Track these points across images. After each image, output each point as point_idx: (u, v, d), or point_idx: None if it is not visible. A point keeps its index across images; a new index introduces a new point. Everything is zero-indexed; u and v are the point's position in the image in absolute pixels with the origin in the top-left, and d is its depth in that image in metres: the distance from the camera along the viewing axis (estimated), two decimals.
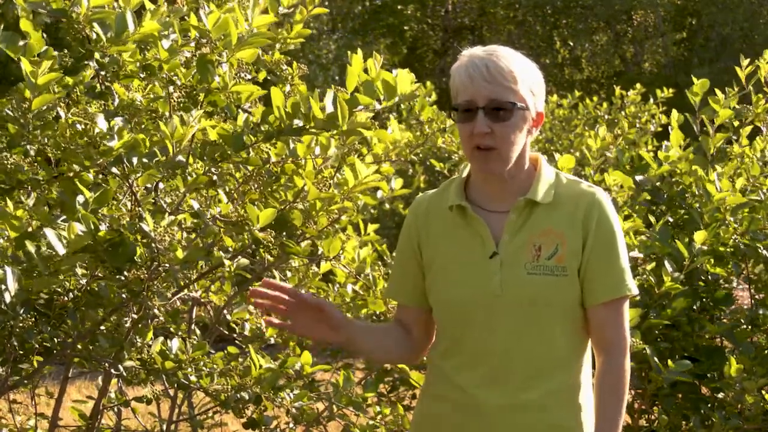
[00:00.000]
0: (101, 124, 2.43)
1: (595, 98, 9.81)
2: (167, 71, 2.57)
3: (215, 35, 2.56)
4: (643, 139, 8.80)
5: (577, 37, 21.02)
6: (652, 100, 8.95)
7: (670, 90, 8.70)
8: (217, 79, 2.58)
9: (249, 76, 2.67)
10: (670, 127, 4.25)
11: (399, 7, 21.13)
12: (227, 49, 2.56)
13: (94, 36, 2.46)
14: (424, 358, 2.58)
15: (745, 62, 4.22)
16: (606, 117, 9.44)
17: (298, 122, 2.56)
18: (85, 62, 2.46)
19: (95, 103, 2.47)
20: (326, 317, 2.42)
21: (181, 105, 2.54)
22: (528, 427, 2.33)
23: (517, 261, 2.33)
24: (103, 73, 2.55)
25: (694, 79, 4.24)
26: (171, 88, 2.57)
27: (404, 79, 2.59)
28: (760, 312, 3.93)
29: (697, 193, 4.02)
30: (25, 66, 2.36)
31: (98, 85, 2.52)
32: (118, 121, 2.45)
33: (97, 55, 2.49)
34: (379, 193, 3.27)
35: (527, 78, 2.32)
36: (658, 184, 4.12)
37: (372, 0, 20.77)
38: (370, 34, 20.05)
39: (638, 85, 9.22)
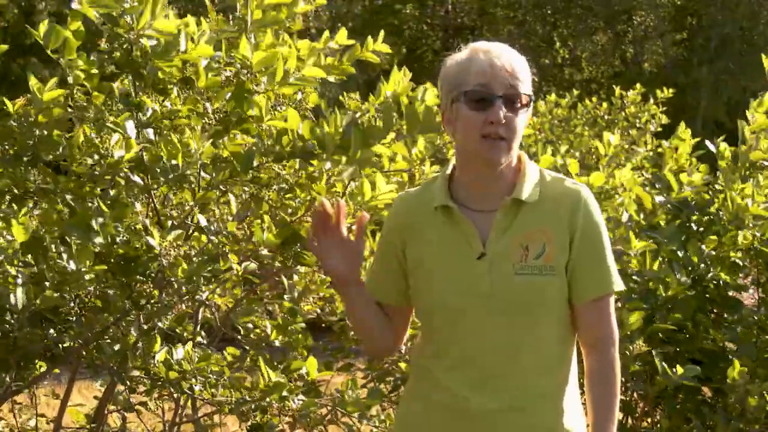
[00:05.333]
0: (130, 131, 2.41)
1: (594, 98, 9.80)
2: (204, 88, 2.55)
3: (257, 68, 2.55)
4: (642, 139, 8.81)
5: (577, 38, 21.01)
6: (652, 100, 8.95)
7: (670, 90, 8.71)
8: (252, 111, 2.57)
9: (284, 108, 2.65)
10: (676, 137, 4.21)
11: (398, 6, 21.12)
12: (269, 81, 2.55)
13: (140, 47, 2.44)
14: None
15: None
16: (606, 117, 9.44)
17: (311, 146, 2.54)
18: (126, 72, 2.45)
19: (116, 112, 2.46)
20: (352, 252, 2.43)
21: (213, 129, 2.54)
22: (515, 429, 2.33)
23: (505, 261, 2.33)
24: (139, 84, 2.52)
25: (765, 98, 4.16)
26: (207, 106, 2.56)
27: (430, 114, 2.56)
28: (761, 310, 3.94)
29: (723, 202, 4.00)
30: (32, 82, 2.35)
31: (133, 94, 2.51)
32: (148, 133, 2.45)
33: (139, 65, 2.47)
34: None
35: (530, 80, 2.37)
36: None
37: (372, 0, 20.76)
38: (369, 33, 20.03)
39: (638, 85, 9.22)
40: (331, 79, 3.03)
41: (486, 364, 2.33)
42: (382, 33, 3.12)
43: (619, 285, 2.40)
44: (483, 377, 2.33)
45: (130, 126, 2.43)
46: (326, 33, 3.02)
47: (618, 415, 2.39)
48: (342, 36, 3.03)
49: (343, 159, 2.58)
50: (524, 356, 2.33)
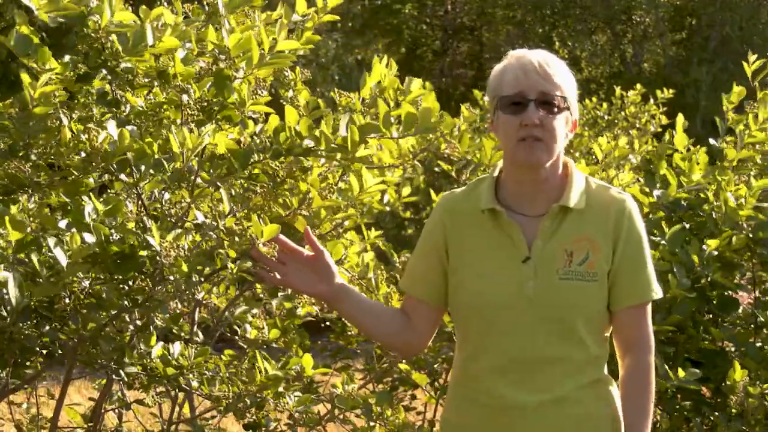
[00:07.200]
0: (111, 131, 2.42)
1: (594, 99, 9.79)
2: (181, 81, 2.55)
3: (235, 53, 2.55)
4: (643, 139, 8.79)
5: (576, 38, 20.98)
6: (652, 101, 8.93)
7: (670, 91, 8.69)
8: (234, 96, 2.57)
9: (265, 92, 2.66)
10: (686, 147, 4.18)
11: (398, 6, 21.10)
12: (246, 66, 2.55)
13: (110, 45, 2.46)
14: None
15: (752, 57, 4.19)
16: (606, 117, 9.42)
17: (309, 142, 2.54)
18: (99, 71, 2.46)
19: (100, 109, 2.47)
20: (319, 267, 2.51)
21: (195, 119, 2.54)
22: (562, 420, 2.38)
23: (549, 266, 2.38)
24: (115, 81, 2.54)
25: (735, 89, 4.18)
26: (185, 97, 2.56)
27: (426, 114, 2.56)
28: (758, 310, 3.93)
29: (715, 203, 4.00)
30: (24, 78, 2.35)
31: (110, 93, 2.52)
32: (129, 129, 2.45)
33: (112, 64, 2.48)
34: (386, 197, 3.26)
35: (571, 84, 2.40)
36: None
37: (371, 0, 20.74)
38: (369, 33, 20.01)
39: (638, 86, 9.20)
40: (301, 52, 3.00)
41: (525, 364, 2.38)
42: None
43: (658, 293, 2.46)
44: (523, 377, 2.38)
45: (112, 126, 2.44)
46: (285, 6, 2.95)
47: (652, 418, 2.43)
48: (302, 5, 2.97)
49: (338, 156, 2.57)
50: (564, 356, 2.38)
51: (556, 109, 2.34)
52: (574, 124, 2.41)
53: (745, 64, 4.18)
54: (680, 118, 4.23)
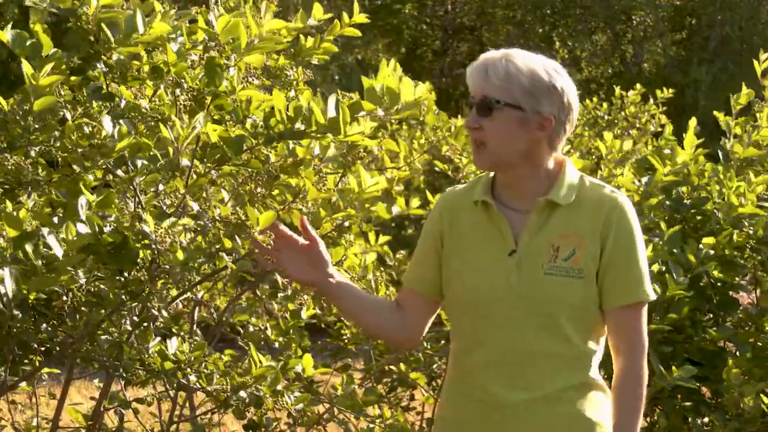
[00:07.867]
0: (107, 125, 2.43)
1: (594, 99, 9.78)
2: (174, 74, 2.56)
3: (224, 39, 2.56)
4: (642, 139, 8.79)
5: (576, 38, 20.99)
6: (651, 101, 8.94)
7: (670, 91, 8.70)
8: (225, 83, 2.58)
9: (257, 81, 2.67)
10: (684, 134, 4.19)
11: (398, 6, 21.09)
12: (236, 53, 2.56)
13: (102, 36, 2.47)
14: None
15: (763, 56, 4.18)
16: (606, 117, 9.42)
17: (299, 126, 2.55)
18: (93, 63, 2.47)
19: (98, 104, 2.47)
20: (313, 255, 2.50)
21: (188, 108, 2.54)
22: (553, 419, 2.38)
23: (534, 260, 2.38)
24: (110, 75, 2.55)
25: (743, 88, 4.18)
26: (178, 91, 2.57)
27: (407, 87, 2.59)
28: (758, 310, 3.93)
29: (717, 201, 4.00)
30: (26, 68, 2.36)
31: (105, 86, 2.53)
32: (123, 123, 2.46)
33: (104, 57, 2.49)
34: (395, 209, 3.25)
35: (527, 80, 2.36)
36: (678, 190, 4.09)
37: (371, 0, 20.73)
38: (368, 33, 20.02)
39: (638, 86, 9.20)
40: (314, 61, 3.01)
41: (516, 359, 2.38)
42: (356, 5, 3.03)
43: (649, 294, 2.43)
44: (511, 372, 2.38)
45: (107, 120, 2.45)
46: (301, 11, 2.96)
47: (642, 420, 2.43)
48: (318, 11, 2.97)
49: (330, 137, 2.58)
50: (550, 352, 2.38)
51: (492, 112, 2.35)
52: (547, 122, 2.37)
53: (755, 62, 4.17)
54: (693, 122, 4.23)
